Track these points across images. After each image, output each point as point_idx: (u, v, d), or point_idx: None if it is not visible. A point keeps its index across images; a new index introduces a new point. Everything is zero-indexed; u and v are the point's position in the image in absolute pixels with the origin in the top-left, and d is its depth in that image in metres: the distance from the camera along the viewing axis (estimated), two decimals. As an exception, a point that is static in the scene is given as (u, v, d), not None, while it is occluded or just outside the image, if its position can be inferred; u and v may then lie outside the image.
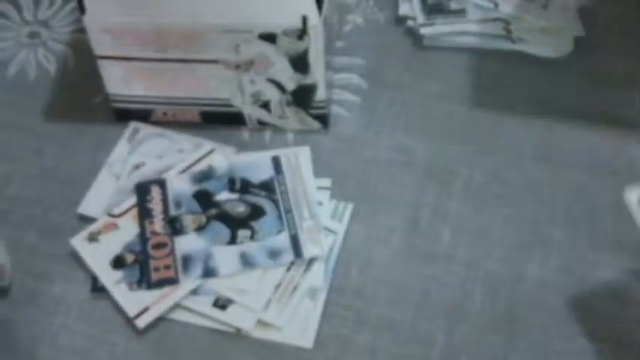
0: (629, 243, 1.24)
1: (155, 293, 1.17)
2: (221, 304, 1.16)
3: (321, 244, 1.21)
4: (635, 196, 1.16)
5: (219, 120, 1.37)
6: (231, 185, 1.27)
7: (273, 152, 1.32)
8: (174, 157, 1.33)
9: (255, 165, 1.30)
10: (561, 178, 1.31)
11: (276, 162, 1.30)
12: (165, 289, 1.17)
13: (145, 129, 1.37)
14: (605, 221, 1.26)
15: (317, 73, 1.29)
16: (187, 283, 1.17)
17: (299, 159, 1.30)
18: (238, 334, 1.15)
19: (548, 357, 1.13)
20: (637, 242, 1.24)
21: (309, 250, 1.20)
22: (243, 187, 1.27)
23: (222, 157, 1.31)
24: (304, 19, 1.22)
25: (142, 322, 1.15)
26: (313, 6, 1.21)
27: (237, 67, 1.29)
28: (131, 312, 1.16)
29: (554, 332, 1.15)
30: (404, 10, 1.54)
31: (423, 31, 1.49)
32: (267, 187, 1.27)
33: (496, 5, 1.51)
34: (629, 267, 1.21)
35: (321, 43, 1.25)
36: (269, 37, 1.25)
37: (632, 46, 1.49)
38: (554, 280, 1.20)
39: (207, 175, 1.29)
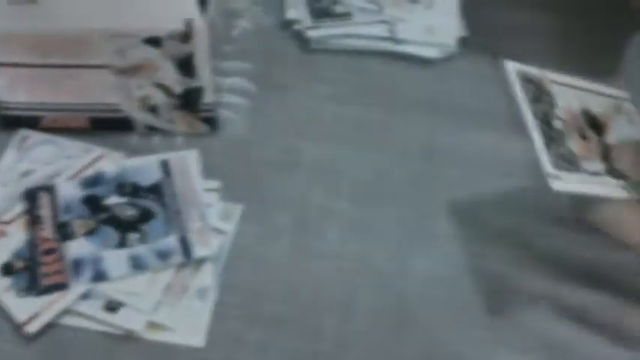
0: (513, 235, 1.28)
1: (45, 299, 1.16)
2: (111, 307, 1.16)
3: (210, 245, 1.22)
4: (513, 67, 1.21)
5: (108, 126, 1.36)
6: (120, 189, 1.28)
7: (161, 156, 1.32)
8: (63, 164, 1.32)
9: (144, 169, 1.30)
10: (445, 174, 1.35)
11: (165, 165, 1.31)
12: (55, 295, 1.16)
13: (34, 136, 1.37)
14: (488, 214, 1.30)
15: (203, 76, 1.30)
16: (77, 288, 1.17)
17: (187, 162, 1.31)
18: (130, 337, 1.15)
19: (437, 349, 1.16)
20: (520, 233, 1.28)
21: (198, 250, 1.21)
22: (132, 191, 1.28)
23: (110, 163, 1.32)
24: (188, 23, 1.23)
25: (31, 329, 1.14)
26: (197, 9, 1.23)
27: (124, 71, 1.30)
28: (20, 319, 1.15)
29: (443, 324, 1.18)
30: (291, 14, 1.56)
31: (310, 34, 1.52)
32: (156, 190, 1.28)
33: (380, 8, 1.54)
34: (514, 257, 1.25)
35: (206, 46, 1.27)
36: (154, 41, 1.26)
37: (513, 47, 1.52)
38: (441, 274, 1.23)
39: (96, 180, 1.29)
